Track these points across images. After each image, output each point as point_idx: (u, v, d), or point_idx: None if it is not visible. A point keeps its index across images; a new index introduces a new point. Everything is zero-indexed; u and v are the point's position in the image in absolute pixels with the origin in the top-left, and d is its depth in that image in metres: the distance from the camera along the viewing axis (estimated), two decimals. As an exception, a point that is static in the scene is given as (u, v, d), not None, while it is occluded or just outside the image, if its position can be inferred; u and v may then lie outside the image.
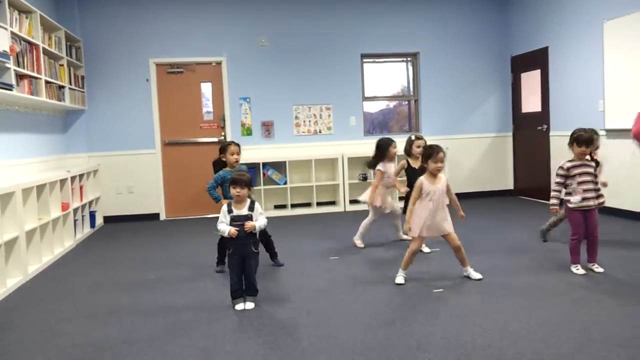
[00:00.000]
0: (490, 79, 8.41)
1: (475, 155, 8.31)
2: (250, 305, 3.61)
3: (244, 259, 3.61)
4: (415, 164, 5.03)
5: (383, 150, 5.22)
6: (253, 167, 7.51)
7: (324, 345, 2.93)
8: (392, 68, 8.52)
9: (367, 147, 7.96)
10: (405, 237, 5.16)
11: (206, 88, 7.77)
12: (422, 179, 4.02)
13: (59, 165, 6.77)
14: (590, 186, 4.07)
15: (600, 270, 4.09)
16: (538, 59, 7.69)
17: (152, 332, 3.25)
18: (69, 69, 6.68)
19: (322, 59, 7.92)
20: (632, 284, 3.77)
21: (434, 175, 4.01)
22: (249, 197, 3.66)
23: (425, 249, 4.94)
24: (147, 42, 7.48)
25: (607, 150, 6.29)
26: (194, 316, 3.49)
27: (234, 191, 3.58)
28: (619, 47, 6.08)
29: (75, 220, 6.13)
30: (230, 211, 3.60)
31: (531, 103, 7.99)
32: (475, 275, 4.05)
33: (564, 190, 4.17)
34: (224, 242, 4.64)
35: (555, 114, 7.41)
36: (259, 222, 3.61)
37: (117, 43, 7.42)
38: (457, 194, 8.20)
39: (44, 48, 5.70)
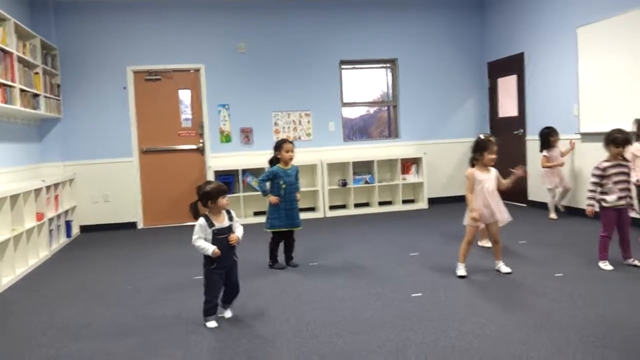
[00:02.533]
0: (467, 85, 8.50)
1: (454, 159, 8.38)
2: (229, 313, 3.55)
3: (227, 272, 3.46)
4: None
5: (547, 137, 6.42)
6: (232, 174, 7.48)
7: (303, 352, 2.91)
8: (373, 74, 8.56)
9: (346, 152, 8.00)
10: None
11: (184, 95, 7.72)
12: (473, 170, 4.18)
13: (34, 174, 6.66)
14: (626, 185, 4.19)
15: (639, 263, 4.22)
16: (514, 65, 7.80)
17: (129, 343, 3.20)
18: (45, 77, 6.58)
19: (301, 66, 7.93)
20: (605, 286, 3.82)
21: (486, 166, 4.16)
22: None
23: (487, 244, 5.00)
24: (125, 50, 7.41)
25: (582, 153, 6.42)
26: (171, 327, 3.45)
27: (224, 201, 3.40)
28: (592, 52, 6.19)
29: (50, 230, 6.02)
30: (211, 225, 3.39)
31: (508, 108, 8.09)
32: (505, 269, 4.22)
33: (599, 189, 4.24)
34: (275, 242, 4.83)
35: (531, 119, 7.51)
36: (240, 231, 3.48)
37: (94, 50, 7.34)
38: (435, 199, 8.31)
39: (18, 56, 5.61)
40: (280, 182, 4.77)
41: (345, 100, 8.25)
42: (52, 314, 3.84)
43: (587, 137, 6.32)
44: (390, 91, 8.49)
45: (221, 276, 3.44)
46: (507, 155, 8.00)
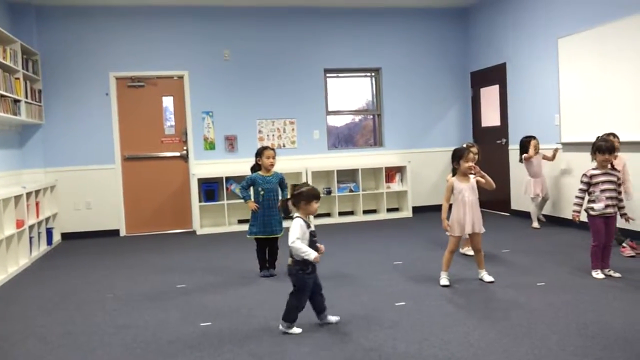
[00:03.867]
0: (450, 94, 8.57)
1: (437, 168, 8.42)
2: (335, 317, 3.45)
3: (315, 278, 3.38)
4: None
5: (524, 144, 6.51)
6: (216, 181, 7.44)
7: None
8: (357, 83, 8.60)
9: (331, 161, 8.01)
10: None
11: (168, 102, 7.68)
12: (453, 179, 4.21)
13: (14, 180, 6.56)
14: (613, 194, 4.21)
15: (618, 275, 4.23)
16: (496, 75, 7.88)
17: (109, 353, 3.15)
18: (25, 83, 6.51)
19: (286, 74, 7.94)
20: (587, 295, 3.85)
21: (465, 175, 4.18)
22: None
23: (470, 252, 5.03)
24: (107, 56, 7.36)
25: (564, 163, 6.50)
26: (152, 336, 3.41)
27: (315, 206, 3.38)
28: (574, 63, 6.28)
29: (30, 238, 5.93)
30: (308, 225, 3.33)
31: (490, 117, 8.17)
32: (488, 278, 4.23)
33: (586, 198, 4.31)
34: (263, 248, 4.76)
35: (513, 128, 7.59)
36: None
37: (76, 56, 7.28)
38: (419, 207, 8.33)
39: (-2, 61, 5.55)
40: (258, 188, 4.75)
41: (330, 109, 8.27)
42: (32, 323, 3.77)
43: (569, 146, 6.40)
44: (375, 100, 8.53)
45: (313, 280, 3.35)
46: (490, 164, 8.08)
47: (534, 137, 6.54)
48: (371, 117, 8.69)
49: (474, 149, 5.18)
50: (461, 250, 5.20)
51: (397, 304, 3.81)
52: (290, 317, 3.32)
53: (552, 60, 6.62)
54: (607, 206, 4.19)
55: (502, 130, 7.86)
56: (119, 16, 7.39)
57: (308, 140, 8.05)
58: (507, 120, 7.73)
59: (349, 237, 6.59)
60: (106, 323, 3.70)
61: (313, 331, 3.34)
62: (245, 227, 7.47)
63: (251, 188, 4.86)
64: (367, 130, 8.85)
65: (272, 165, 4.80)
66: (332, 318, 3.45)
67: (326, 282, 4.48)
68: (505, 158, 7.72)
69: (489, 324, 3.32)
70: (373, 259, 5.28)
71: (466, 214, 4.14)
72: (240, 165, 7.53)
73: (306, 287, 3.33)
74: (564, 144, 6.47)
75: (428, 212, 8.10)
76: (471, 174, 4.20)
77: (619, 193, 4.27)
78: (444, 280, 4.20)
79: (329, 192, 7.79)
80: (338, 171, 7.85)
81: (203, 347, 3.17)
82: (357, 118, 8.87)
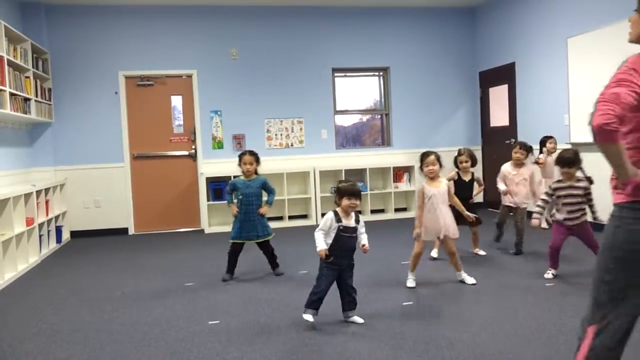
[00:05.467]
0: (459, 94, 8.55)
1: (446, 168, 8.32)
2: (359, 319, 3.47)
3: (341, 272, 3.45)
4: (465, 177, 5.20)
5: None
6: (224, 180, 7.44)
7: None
8: (366, 82, 8.60)
9: (339, 160, 8.01)
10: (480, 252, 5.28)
11: (177, 101, 7.71)
12: (423, 184, 4.20)
13: (24, 179, 6.61)
14: (575, 207, 4.20)
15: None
16: (505, 74, 7.85)
17: (118, 350, 3.17)
18: (35, 81, 6.55)
19: (294, 73, 7.95)
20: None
21: (431, 178, 4.15)
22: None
23: (481, 252, 5.20)
24: (117, 55, 7.40)
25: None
26: (161, 333, 3.42)
27: (348, 202, 3.41)
28: (583, 62, 6.25)
29: (40, 236, 5.98)
30: (339, 220, 3.43)
31: (499, 117, 8.14)
32: (469, 280, 4.20)
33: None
34: (235, 252, 4.71)
35: (522, 128, 7.56)
36: (365, 238, 3.50)
37: (85, 55, 7.32)
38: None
39: (8, 60, 5.59)
40: (238, 193, 4.72)
41: (338, 108, 8.27)
42: (41, 320, 3.80)
43: (578, 147, 6.31)
44: (383, 99, 8.52)
45: (333, 273, 3.43)
46: (499, 164, 8.05)
47: (552, 137, 6.44)
48: (379, 116, 8.68)
49: (462, 157, 5.19)
50: (474, 250, 5.25)
51: (404, 304, 3.80)
52: (308, 301, 3.42)
53: (562, 60, 6.59)
54: (566, 219, 4.20)
55: (510, 130, 7.83)
56: (129, 15, 7.43)
57: (316, 140, 8.06)
58: (516, 120, 7.70)
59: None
60: (115, 320, 3.72)
61: (323, 328, 3.35)
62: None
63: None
64: (374, 129, 8.84)
65: (248, 171, 4.69)
66: (357, 319, 3.48)
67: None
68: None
69: (497, 325, 3.31)
70: (380, 258, 5.26)
71: (435, 219, 4.09)
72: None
73: (323, 275, 3.42)
74: (574, 144, 6.42)
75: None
76: (431, 178, 4.16)
77: (587, 201, 4.23)
78: (409, 282, 4.19)
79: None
80: (346, 171, 7.84)
81: (211, 344, 3.18)
82: (365, 117, 8.86)
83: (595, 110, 1.70)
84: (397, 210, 8.12)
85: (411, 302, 3.82)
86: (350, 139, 8.75)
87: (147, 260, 5.72)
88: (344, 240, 3.42)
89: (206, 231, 7.36)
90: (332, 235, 3.41)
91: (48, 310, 4.05)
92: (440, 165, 4.82)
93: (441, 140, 8.41)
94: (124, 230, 7.50)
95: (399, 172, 8.10)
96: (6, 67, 5.49)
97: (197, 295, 4.27)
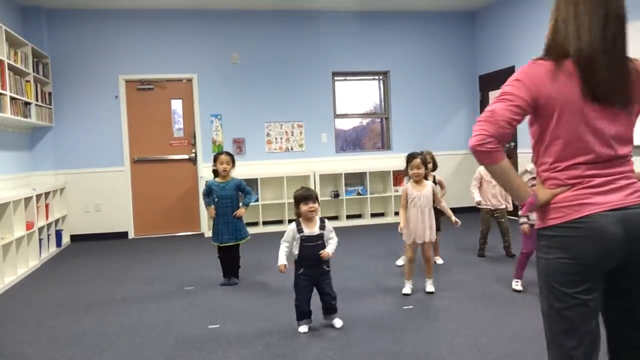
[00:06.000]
0: (459, 97, 8.56)
1: (446, 172, 8.36)
2: (339, 322, 3.45)
3: (316, 281, 3.40)
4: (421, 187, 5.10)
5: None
6: (224, 184, 7.45)
7: (294, 364, 2.90)
8: (365, 86, 8.61)
9: (339, 164, 8.01)
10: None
11: (177, 105, 7.72)
12: (407, 185, 4.12)
13: (24, 183, 6.61)
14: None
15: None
16: (505, 78, 7.72)
17: (117, 354, 3.16)
18: (36, 85, 6.56)
19: (294, 77, 7.96)
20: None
21: (416, 181, 4.08)
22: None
23: (439, 261, 5.10)
24: (117, 59, 7.41)
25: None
26: (160, 337, 3.42)
27: (305, 207, 3.35)
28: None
29: (40, 240, 5.97)
30: (300, 230, 3.37)
31: (499, 121, 8.13)
32: (430, 288, 4.10)
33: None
34: (224, 256, 4.67)
35: (521, 132, 7.56)
36: (331, 246, 3.39)
37: (86, 59, 7.33)
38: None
39: (9, 64, 5.60)
40: (214, 196, 4.69)
41: (338, 112, 8.28)
42: (41, 324, 3.80)
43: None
44: (383, 103, 8.53)
45: (307, 283, 3.39)
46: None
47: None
48: (379, 120, 8.68)
49: (427, 157, 5.09)
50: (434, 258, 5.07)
51: (405, 308, 3.80)
52: (296, 316, 3.43)
53: (561, 63, 6.58)
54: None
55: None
56: (129, 20, 7.44)
57: (316, 144, 8.06)
58: (515, 123, 7.68)
59: (357, 240, 6.58)
60: (114, 324, 3.72)
61: (323, 334, 3.34)
62: (251, 229, 7.50)
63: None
64: (375, 133, 8.85)
65: (225, 171, 4.63)
66: (336, 322, 3.46)
67: (333, 283, 4.48)
68: (514, 162, 7.69)
69: (498, 329, 3.31)
70: (381, 261, 5.26)
71: (418, 222, 4.01)
72: (249, 167, 7.56)
73: (296, 285, 3.42)
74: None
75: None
76: (417, 181, 4.08)
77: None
78: (405, 289, 4.10)
79: (336, 196, 7.78)
80: (346, 174, 7.85)
81: (211, 349, 3.18)
82: (365, 121, 8.87)
83: (473, 130, 1.62)
84: (397, 213, 8.09)
85: (411, 306, 3.81)
86: (350, 142, 8.75)
87: (147, 264, 5.71)
88: (308, 250, 3.35)
89: (206, 235, 7.35)
90: (297, 245, 3.37)
91: (48, 314, 4.05)
92: (435, 167, 4.80)
93: (441, 144, 8.41)
94: (124, 234, 7.49)
95: (399, 176, 8.09)
96: (7, 71, 5.50)
97: (197, 299, 4.26)
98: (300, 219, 3.42)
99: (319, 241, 3.37)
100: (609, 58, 1.57)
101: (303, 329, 3.37)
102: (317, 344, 3.18)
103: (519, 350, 2.95)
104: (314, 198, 3.41)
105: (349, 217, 7.92)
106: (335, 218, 7.99)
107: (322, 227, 3.42)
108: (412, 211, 4.04)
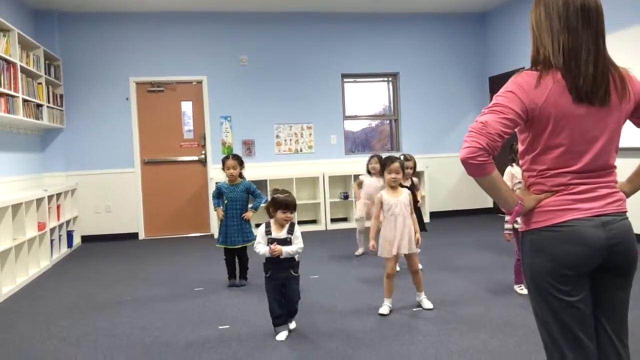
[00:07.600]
0: (468, 99, 8.53)
1: (455, 173, 8.38)
2: (292, 324, 3.48)
3: (283, 284, 3.39)
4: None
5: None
6: (234, 185, 7.47)
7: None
8: (375, 87, 8.61)
9: (348, 165, 8.01)
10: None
11: (187, 107, 7.76)
12: (382, 192, 3.76)
13: (36, 184, 6.67)
14: None
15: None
16: (515, 79, 7.79)
17: (129, 355, 3.18)
18: (48, 88, 6.62)
19: (303, 79, 7.97)
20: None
21: (392, 187, 3.74)
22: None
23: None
24: (128, 61, 7.46)
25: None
26: (170, 338, 3.43)
27: (282, 215, 3.34)
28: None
29: (51, 240, 6.02)
30: (268, 232, 3.39)
31: (509, 122, 8.09)
32: (428, 304, 3.78)
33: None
34: (231, 259, 4.69)
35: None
36: (291, 247, 3.32)
37: (97, 62, 7.39)
38: (437, 212, 8.26)
39: (21, 66, 5.65)
40: (224, 198, 4.70)
41: (347, 114, 8.28)
42: (52, 324, 3.83)
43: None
44: (392, 105, 8.52)
45: (275, 287, 3.38)
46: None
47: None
48: (388, 122, 8.68)
49: (409, 163, 4.98)
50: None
51: (414, 310, 3.79)
52: (272, 323, 3.41)
53: (572, 64, 6.55)
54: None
55: (520, 135, 7.78)
56: (139, 22, 7.49)
57: (325, 145, 8.07)
58: (525, 125, 7.65)
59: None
60: (125, 325, 3.74)
61: (334, 333, 3.34)
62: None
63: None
64: (384, 135, 8.84)
65: (232, 175, 4.60)
66: (290, 325, 3.47)
67: (343, 286, 4.48)
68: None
69: (508, 332, 3.29)
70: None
71: (396, 233, 3.63)
72: (258, 169, 7.57)
73: (268, 290, 3.41)
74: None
75: (445, 218, 8.05)
76: (391, 186, 3.73)
77: None
78: (383, 309, 3.71)
79: (345, 197, 7.78)
80: (355, 176, 7.83)
81: (221, 349, 3.19)
82: (374, 123, 8.86)
83: (464, 141, 1.62)
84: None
85: (420, 308, 3.80)
86: (359, 144, 8.75)
87: (157, 265, 5.74)
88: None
89: (216, 236, 7.36)
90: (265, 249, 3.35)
91: (59, 314, 4.08)
92: (415, 171, 4.53)
93: (451, 146, 8.39)
94: (134, 235, 7.53)
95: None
96: (19, 73, 5.55)
97: (206, 300, 4.28)
98: (272, 221, 3.43)
99: (284, 245, 3.35)
100: (586, 54, 1.67)
101: (280, 336, 3.31)
102: (326, 345, 3.18)
103: (528, 354, 2.93)
104: (293, 208, 3.38)
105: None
106: (344, 220, 7.98)
107: (291, 231, 3.39)
108: (389, 221, 3.67)
